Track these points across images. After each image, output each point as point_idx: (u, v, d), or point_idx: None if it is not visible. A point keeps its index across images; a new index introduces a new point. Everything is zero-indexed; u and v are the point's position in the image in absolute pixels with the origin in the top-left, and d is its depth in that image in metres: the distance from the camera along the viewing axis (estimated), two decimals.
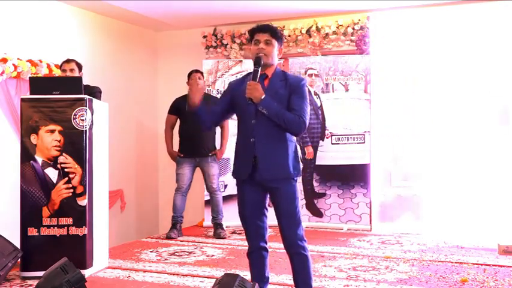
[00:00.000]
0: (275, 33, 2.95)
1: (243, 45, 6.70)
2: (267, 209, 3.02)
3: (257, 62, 2.90)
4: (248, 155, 2.92)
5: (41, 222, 3.90)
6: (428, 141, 5.79)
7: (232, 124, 6.16)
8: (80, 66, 4.64)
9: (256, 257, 3.03)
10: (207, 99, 3.24)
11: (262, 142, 2.89)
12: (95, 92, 4.45)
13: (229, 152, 6.06)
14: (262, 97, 2.82)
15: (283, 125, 2.87)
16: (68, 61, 4.61)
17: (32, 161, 3.92)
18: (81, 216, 3.93)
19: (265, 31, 2.94)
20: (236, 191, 3.07)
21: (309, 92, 5.87)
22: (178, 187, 5.55)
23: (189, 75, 5.61)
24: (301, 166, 3.06)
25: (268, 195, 3.01)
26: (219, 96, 6.05)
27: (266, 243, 3.03)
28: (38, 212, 3.91)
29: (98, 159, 4.12)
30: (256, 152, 2.89)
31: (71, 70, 4.56)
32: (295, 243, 2.94)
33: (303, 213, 5.91)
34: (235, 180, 3.06)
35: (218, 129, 5.78)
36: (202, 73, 5.67)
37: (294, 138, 2.99)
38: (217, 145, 5.68)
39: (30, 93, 4.04)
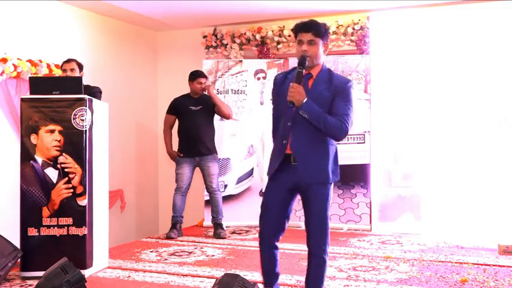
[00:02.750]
0: (318, 32, 2.81)
1: (243, 45, 6.70)
2: (290, 211, 2.98)
3: (301, 63, 2.81)
4: (279, 155, 2.87)
5: (41, 222, 3.90)
6: (429, 141, 5.78)
7: (229, 123, 6.15)
8: (80, 66, 4.63)
9: (267, 252, 2.98)
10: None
11: (299, 145, 2.83)
12: (95, 92, 4.45)
13: (228, 151, 6.06)
14: (304, 100, 2.74)
15: (323, 130, 2.78)
16: (69, 61, 4.61)
17: (32, 161, 3.92)
18: (81, 216, 3.92)
19: (308, 30, 2.82)
20: (266, 185, 3.02)
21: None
22: (178, 187, 5.54)
23: (194, 78, 5.56)
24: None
25: (300, 196, 2.96)
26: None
27: (278, 241, 2.99)
28: (38, 212, 3.91)
29: (98, 159, 4.12)
30: (293, 153, 2.83)
31: (72, 70, 4.56)
32: (319, 247, 2.90)
33: (303, 213, 5.89)
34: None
35: (218, 129, 5.78)
36: (206, 77, 5.64)
37: (335, 141, 2.92)
38: (217, 145, 5.67)
39: (30, 93, 4.04)
